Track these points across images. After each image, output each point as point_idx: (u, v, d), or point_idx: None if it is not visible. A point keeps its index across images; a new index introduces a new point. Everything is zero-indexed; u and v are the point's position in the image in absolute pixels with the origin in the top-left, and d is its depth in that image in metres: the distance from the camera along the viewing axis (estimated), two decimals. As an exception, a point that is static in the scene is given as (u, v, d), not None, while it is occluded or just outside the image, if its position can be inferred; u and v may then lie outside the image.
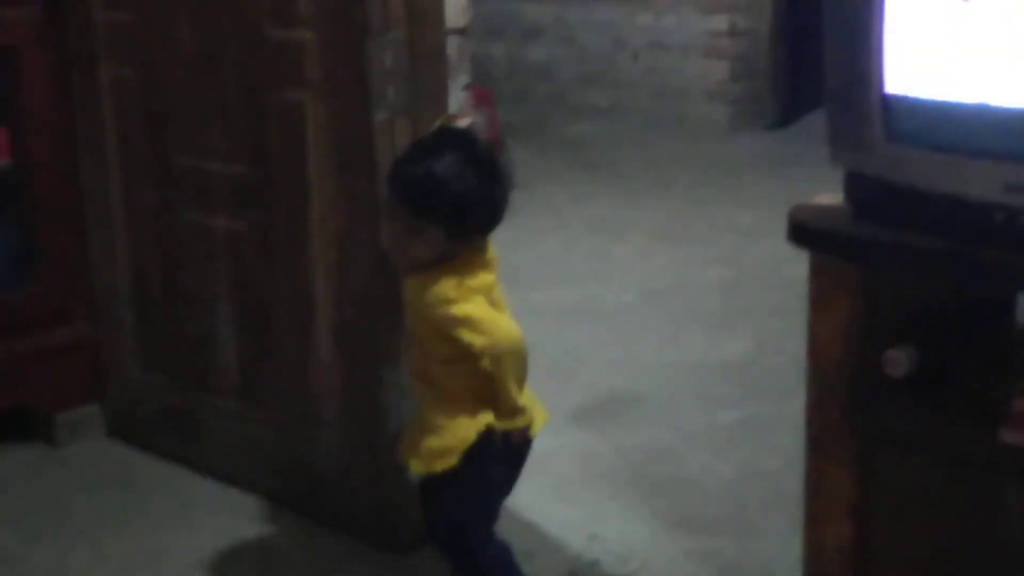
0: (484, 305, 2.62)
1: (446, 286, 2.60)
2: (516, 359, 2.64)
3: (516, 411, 2.68)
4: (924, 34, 1.84)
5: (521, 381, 2.69)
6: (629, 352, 4.45)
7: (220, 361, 3.48)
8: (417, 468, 2.75)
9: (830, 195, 2.05)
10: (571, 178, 6.57)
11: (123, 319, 3.70)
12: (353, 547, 3.07)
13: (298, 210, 3.18)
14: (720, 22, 7.28)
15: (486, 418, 2.68)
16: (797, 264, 2.22)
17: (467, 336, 2.58)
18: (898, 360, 1.94)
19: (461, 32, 3.29)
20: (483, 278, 2.64)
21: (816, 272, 2.05)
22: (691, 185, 6.36)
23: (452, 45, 3.26)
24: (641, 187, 6.37)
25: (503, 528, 3.26)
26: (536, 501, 3.43)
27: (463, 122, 2.87)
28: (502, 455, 2.73)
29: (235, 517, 3.36)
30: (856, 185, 1.97)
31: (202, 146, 3.38)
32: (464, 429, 2.68)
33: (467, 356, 2.62)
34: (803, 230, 2.02)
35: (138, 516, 3.39)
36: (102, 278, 3.72)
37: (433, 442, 2.70)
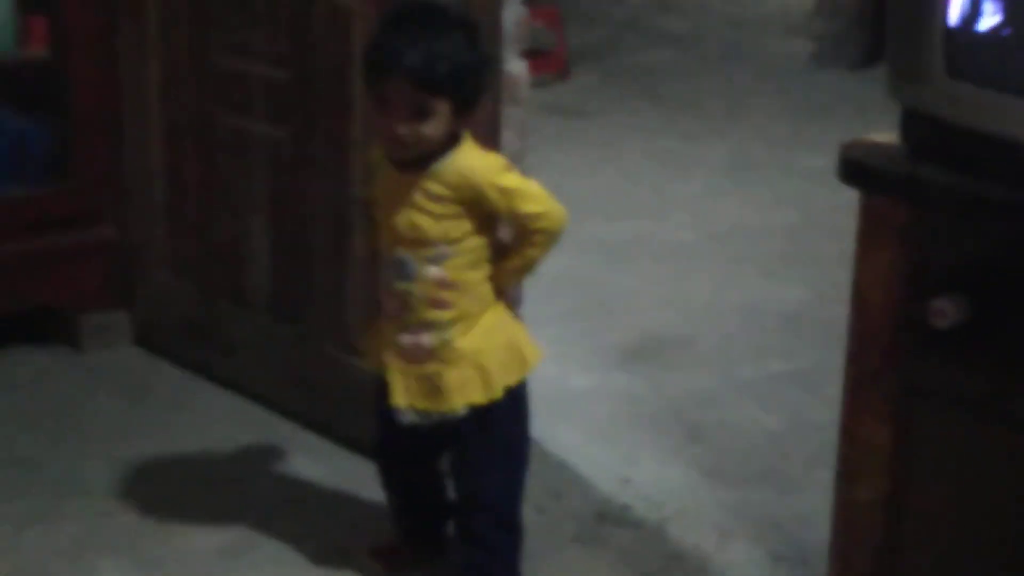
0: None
1: (489, 158, 2.64)
2: (557, 239, 2.65)
3: None
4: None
5: None
6: (682, 293, 4.45)
7: (252, 274, 3.53)
8: (476, 397, 2.65)
9: (886, 133, 2.04)
10: (637, 108, 6.54)
11: (155, 223, 3.76)
12: (369, 471, 3.11)
13: (340, 121, 3.21)
14: (808, -48, 7.20)
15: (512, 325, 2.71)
16: (865, 212, 2.21)
17: (526, 206, 2.58)
18: (944, 310, 1.94)
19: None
20: None
21: (866, 213, 2.04)
22: (764, 123, 6.32)
23: (509, -43, 3.24)
24: (710, 122, 6.33)
25: (534, 465, 3.32)
26: (571, 441, 3.47)
27: None
28: None
29: (256, 434, 3.42)
30: (913, 123, 1.96)
31: (245, 48, 3.42)
32: (511, 328, 2.70)
33: (483, 248, 2.63)
34: (854, 167, 2.01)
35: (157, 427, 3.47)
36: (136, 179, 3.77)
37: (485, 360, 2.65)
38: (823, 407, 3.61)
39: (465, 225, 2.61)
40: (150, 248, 3.79)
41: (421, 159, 2.60)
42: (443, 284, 2.62)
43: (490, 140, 3.12)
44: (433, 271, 2.61)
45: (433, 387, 2.66)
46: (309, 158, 3.31)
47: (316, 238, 3.34)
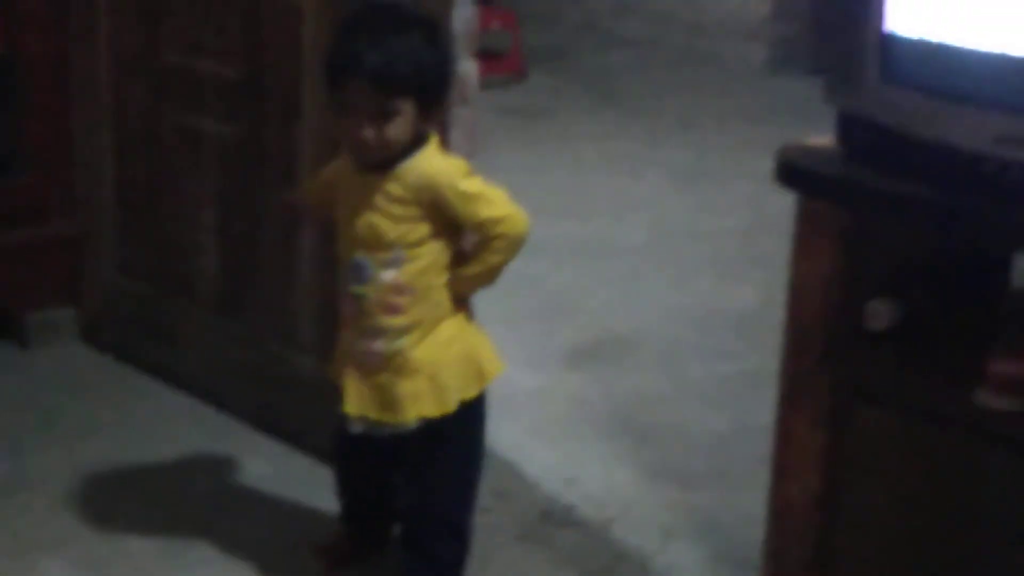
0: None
1: (451, 161, 2.59)
2: (520, 246, 2.62)
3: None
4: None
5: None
6: (632, 294, 4.48)
7: (200, 271, 3.54)
8: (428, 410, 2.62)
9: (823, 136, 2.07)
10: (593, 110, 6.58)
11: (104, 220, 3.75)
12: (319, 472, 3.12)
13: (290, 119, 3.21)
14: (764, -44, 7.26)
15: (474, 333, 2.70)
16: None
17: (486, 211, 2.54)
18: (879, 312, 1.97)
19: (472, -57, 3.28)
20: None
21: (802, 216, 2.07)
22: (718, 127, 6.36)
23: (461, -44, 3.27)
24: (666, 125, 6.37)
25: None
26: (517, 441, 3.48)
27: None
28: None
29: (202, 432, 3.43)
30: (848, 127, 1.99)
31: (196, 45, 3.42)
32: (471, 339, 2.68)
33: (441, 253, 2.60)
34: (791, 170, 2.04)
35: (103, 425, 3.46)
36: (86, 177, 3.77)
37: (440, 372, 2.63)
38: (770, 409, 3.63)
39: (423, 229, 2.57)
40: (98, 245, 3.78)
41: (386, 161, 2.57)
42: (398, 289, 2.58)
43: (439, 140, 3.13)
44: (389, 275, 2.58)
45: (385, 398, 2.63)
46: (258, 156, 3.32)
47: (264, 236, 3.35)
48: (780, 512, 2.20)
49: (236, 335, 3.46)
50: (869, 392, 2.04)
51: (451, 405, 2.63)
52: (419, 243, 2.58)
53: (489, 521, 3.10)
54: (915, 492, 2.04)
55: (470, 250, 2.64)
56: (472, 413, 2.70)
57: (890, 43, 1.90)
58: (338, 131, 2.60)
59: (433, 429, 2.64)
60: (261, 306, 3.39)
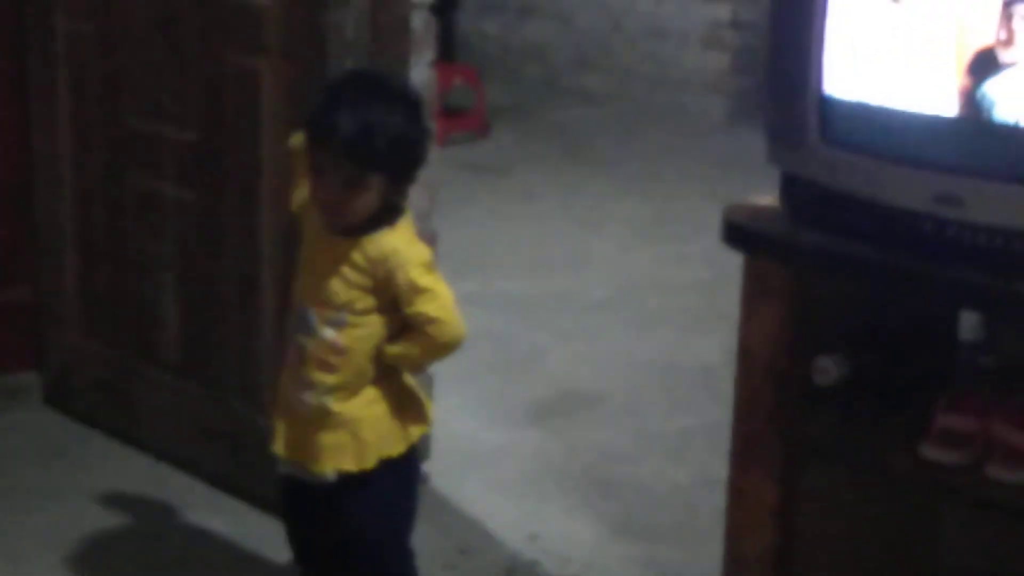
0: (442, 281, 2.62)
1: (415, 248, 2.60)
2: (446, 353, 2.65)
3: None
4: (864, 38, 1.90)
5: None
6: (595, 349, 4.51)
7: (161, 333, 3.55)
8: (346, 465, 2.64)
9: (768, 195, 2.11)
10: (555, 165, 6.63)
11: (65, 283, 3.77)
12: (280, 529, 3.12)
13: (249, 182, 3.24)
14: (723, 12, 7.33)
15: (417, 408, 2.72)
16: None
17: (424, 306, 2.55)
18: (827, 369, 2.00)
19: (429, 7, 3.31)
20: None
21: (749, 274, 2.11)
22: (680, 180, 6.41)
23: (418, 20, 3.29)
24: (627, 179, 6.42)
25: (443, 521, 3.35)
26: (479, 496, 3.50)
27: None
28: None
29: (164, 493, 3.43)
30: (792, 187, 2.03)
31: (156, 109, 3.45)
32: (400, 398, 2.69)
33: (380, 327, 2.60)
34: (736, 231, 2.08)
35: (65, 488, 3.46)
36: (48, 240, 3.78)
37: (361, 429, 2.65)
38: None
39: (370, 300, 2.59)
40: (60, 309, 3.79)
41: (351, 228, 2.59)
42: (335, 349, 2.61)
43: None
44: (329, 333, 2.60)
45: (308, 446, 2.65)
46: (218, 219, 3.35)
47: (225, 297, 3.37)
48: (735, 568, 2.22)
49: (197, 396, 3.47)
50: (818, 448, 2.07)
51: (371, 462, 2.64)
52: (364, 312, 2.60)
53: (451, 578, 3.12)
54: (866, 545, 2.07)
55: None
56: (395, 470, 2.70)
57: (830, 105, 1.95)
58: (311, 190, 2.61)
59: (352, 483, 2.66)
60: (222, 366, 3.41)
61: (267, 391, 3.28)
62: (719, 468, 3.62)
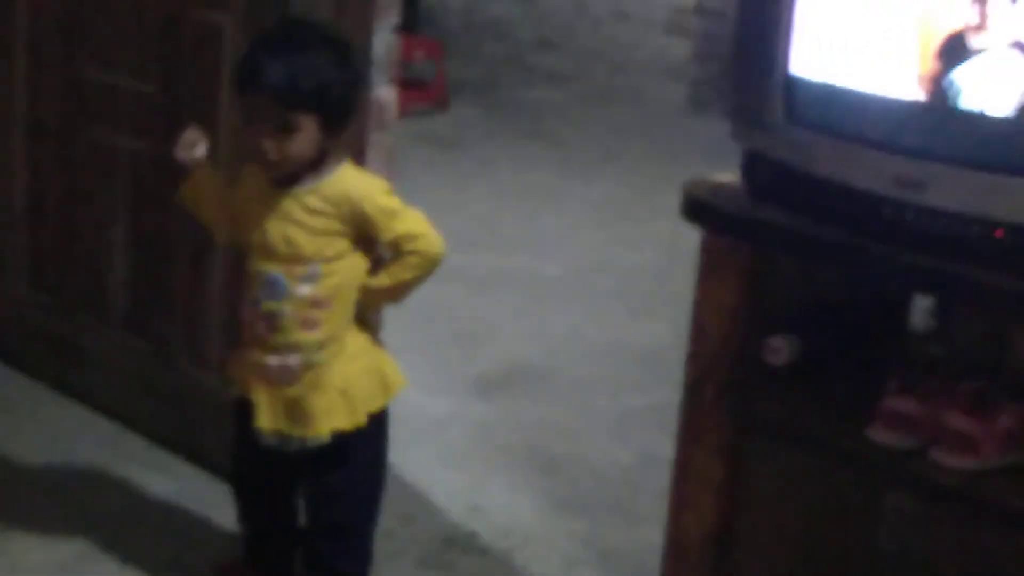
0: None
1: (373, 179, 2.64)
2: (434, 266, 2.65)
3: None
4: (832, 19, 1.91)
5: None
6: (544, 326, 4.51)
7: (109, 288, 3.52)
8: (341, 423, 2.64)
9: (729, 173, 2.11)
10: (513, 143, 6.63)
11: (13, 233, 3.73)
12: (222, 491, 3.11)
13: (206, 136, 3.20)
14: (687, -2, 7.36)
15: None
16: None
17: (403, 226, 2.57)
18: (778, 348, 2.01)
19: (395, -29, 3.29)
20: None
21: (706, 250, 2.11)
22: (636, 164, 6.43)
23: (383, -17, 3.27)
24: (584, 160, 6.43)
25: (387, 488, 3.34)
26: (423, 466, 3.50)
27: None
28: None
29: (105, 448, 3.41)
30: (753, 165, 2.04)
31: (113, 61, 3.42)
32: (375, 353, 2.70)
33: (357, 269, 2.62)
34: (695, 205, 2.08)
35: (3, 438, 3.42)
36: (-3, 188, 3.74)
37: (350, 386, 2.65)
38: (674, 444, 3.68)
39: (341, 243, 2.60)
40: (8, 258, 3.75)
41: (293, 176, 2.59)
42: (315, 303, 2.60)
43: (355, 165, 3.15)
44: (306, 289, 2.60)
45: (299, 412, 2.64)
46: (173, 173, 3.30)
47: (176, 253, 3.34)
48: (676, 542, 2.23)
49: (144, 353, 3.44)
50: (766, 426, 2.08)
51: (362, 418, 2.66)
52: (336, 257, 2.60)
53: (392, 545, 3.11)
54: (809, 525, 2.08)
55: (384, 264, 2.66)
56: (378, 426, 2.73)
57: (796, 85, 1.95)
58: (246, 140, 2.62)
59: (343, 442, 2.66)
60: (169, 323, 3.38)
61: (214, 351, 3.26)
62: (663, 448, 3.62)
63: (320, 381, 2.63)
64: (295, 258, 2.59)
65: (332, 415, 2.64)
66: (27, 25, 3.60)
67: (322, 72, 2.53)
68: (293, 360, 2.62)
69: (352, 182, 2.61)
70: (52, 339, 3.68)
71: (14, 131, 3.67)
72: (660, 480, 3.47)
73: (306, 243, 2.59)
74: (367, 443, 2.72)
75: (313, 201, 2.59)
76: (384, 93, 3.31)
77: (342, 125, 2.61)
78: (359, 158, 3.21)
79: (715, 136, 6.98)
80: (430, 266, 2.63)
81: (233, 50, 3.11)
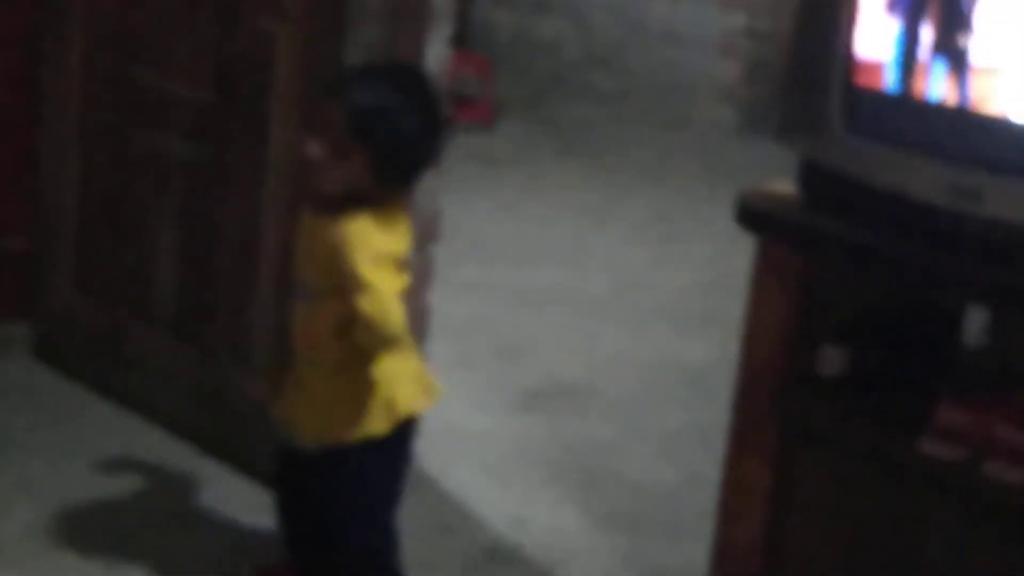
0: (390, 277, 2.59)
1: (367, 238, 2.57)
2: (386, 347, 2.62)
3: None
4: (890, 28, 1.91)
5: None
6: (589, 343, 4.52)
7: (158, 291, 3.55)
8: (324, 437, 2.67)
9: (785, 184, 2.12)
10: (561, 160, 6.64)
11: (63, 236, 3.76)
12: (266, 497, 3.13)
13: (257, 144, 3.24)
14: (738, 20, 7.33)
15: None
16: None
17: (360, 305, 2.53)
18: (831, 358, 2.01)
19: (449, -18, 3.32)
20: (401, 238, 2.63)
21: (760, 260, 2.11)
22: (684, 184, 6.43)
23: (439, -6, 3.30)
24: (632, 179, 6.44)
25: (429, 501, 3.35)
26: (465, 479, 3.51)
27: None
28: None
29: (150, 452, 3.43)
30: (810, 174, 2.04)
31: (167, 67, 3.45)
32: (392, 374, 2.69)
33: (331, 315, 2.62)
34: (750, 213, 2.09)
35: (51, 441, 3.46)
36: (48, 191, 3.78)
37: (338, 409, 2.67)
38: (719, 463, 3.67)
39: (325, 282, 2.61)
40: (57, 261, 3.79)
41: (328, 204, 2.61)
42: (305, 318, 2.67)
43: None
44: (303, 307, 2.68)
45: (292, 413, 2.73)
46: (223, 179, 3.35)
47: (224, 259, 3.37)
48: (723, 552, 2.23)
49: (190, 357, 3.47)
50: (817, 436, 2.08)
51: (344, 436, 2.66)
52: (326, 291, 2.62)
53: (434, 556, 3.12)
54: (858, 537, 2.08)
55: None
56: (379, 449, 2.70)
57: (854, 94, 1.96)
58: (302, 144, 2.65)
59: (332, 456, 2.68)
60: (216, 329, 3.41)
61: (261, 356, 3.29)
62: (707, 468, 3.64)
63: (307, 392, 2.70)
64: (305, 274, 2.67)
65: (311, 425, 2.70)
66: (81, 31, 3.64)
67: (400, 118, 2.55)
68: (297, 363, 2.70)
69: (343, 231, 2.57)
70: (99, 343, 3.71)
71: (67, 136, 3.71)
72: (703, 499, 3.48)
73: (310, 268, 2.65)
74: (358, 464, 2.70)
75: (322, 237, 2.60)
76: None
77: (393, 178, 2.60)
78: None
79: (764, 158, 7.00)
80: (375, 350, 2.61)
81: (287, 57, 3.15)
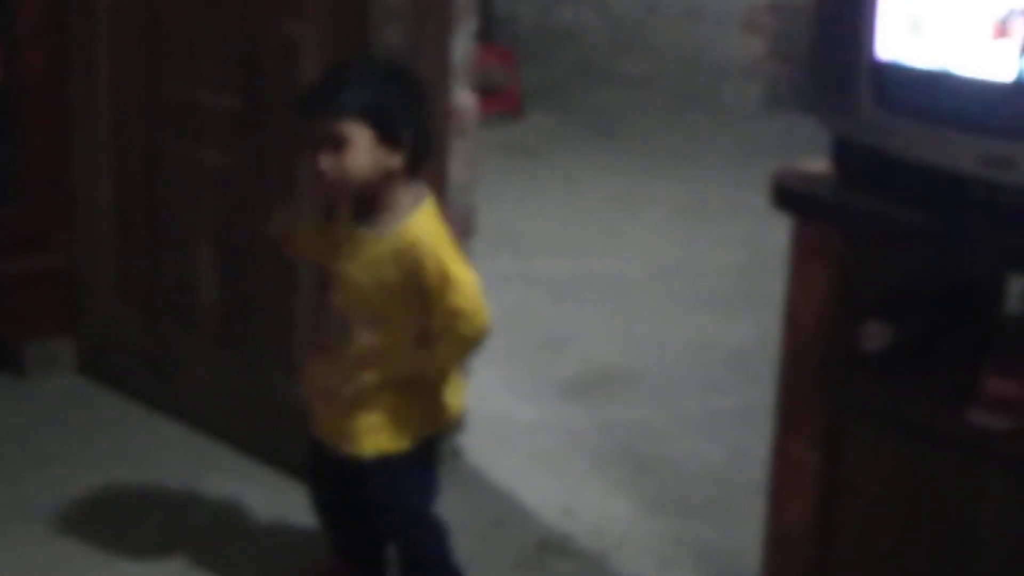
0: (465, 265, 2.62)
1: (440, 234, 2.60)
2: (472, 348, 2.65)
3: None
4: (919, 1, 1.92)
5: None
6: (629, 329, 4.53)
7: (200, 302, 3.58)
8: (385, 446, 2.67)
9: (818, 161, 2.12)
10: (591, 147, 6.65)
11: (103, 251, 3.80)
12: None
13: (289, 150, 3.26)
14: (761, -4, 7.34)
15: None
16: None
17: (453, 298, 2.54)
18: (873, 334, 2.02)
19: (470, -22, 3.34)
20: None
21: (797, 240, 2.12)
22: (715, 164, 6.43)
23: (461, -10, 3.31)
24: (663, 162, 6.44)
25: (477, 495, 3.37)
26: (513, 471, 3.53)
27: None
28: None
29: (199, 462, 3.47)
30: (842, 151, 2.05)
31: (196, 76, 3.48)
32: (439, 383, 2.73)
33: (409, 328, 2.62)
34: (786, 194, 2.09)
35: (99, 455, 3.50)
36: (85, 207, 3.82)
37: (404, 413, 2.68)
38: (765, 441, 3.67)
39: (404, 298, 2.60)
40: (97, 276, 3.83)
41: (371, 209, 2.62)
42: (373, 351, 2.64)
43: (437, 171, 3.19)
44: (365, 336, 2.64)
45: (342, 427, 2.69)
46: (258, 187, 3.37)
47: (264, 266, 3.39)
48: (775, 533, 2.24)
49: (234, 364, 3.50)
50: (863, 413, 2.09)
51: (407, 443, 2.68)
52: (399, 311, 2.61)
53: (486, 550, 3.14)
54: (910, 511, 2.09)
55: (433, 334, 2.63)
56: (425, 449, 2.74)
57: (883, 69, 1.96)
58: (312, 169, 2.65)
59: (387, 462, 2.68)
60: (260, 335, 3.43)
61: (303, 360, 3.31)
62: (754, 447, 3.65)
63: (368, 402, 2.66)
64: (361, 304, 2.64)
65: (376, 435, 2.66)
66: (109, 43, 3.67)
67: (366, 84, 2.56)
68: (345, 389, 2.65)
69: (420, 229, 2.58)
70: (142, 353, 3.75)
71: (99, 149, 3.75)
72: (752, 478, 3.49)
73: (373, 294, 2.61)
74: (411, 469, 2.73)
75: (383, 250, 2.59)
76: (463, 99, 3.36)
77: (395, 139, 2.56)
78: (441, 165, 3.26)
79: (792, 134, 6.99)
80: (469, 347, 2.63)
81: (313, 63, 3.17)
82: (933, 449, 2.01)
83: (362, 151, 2.53)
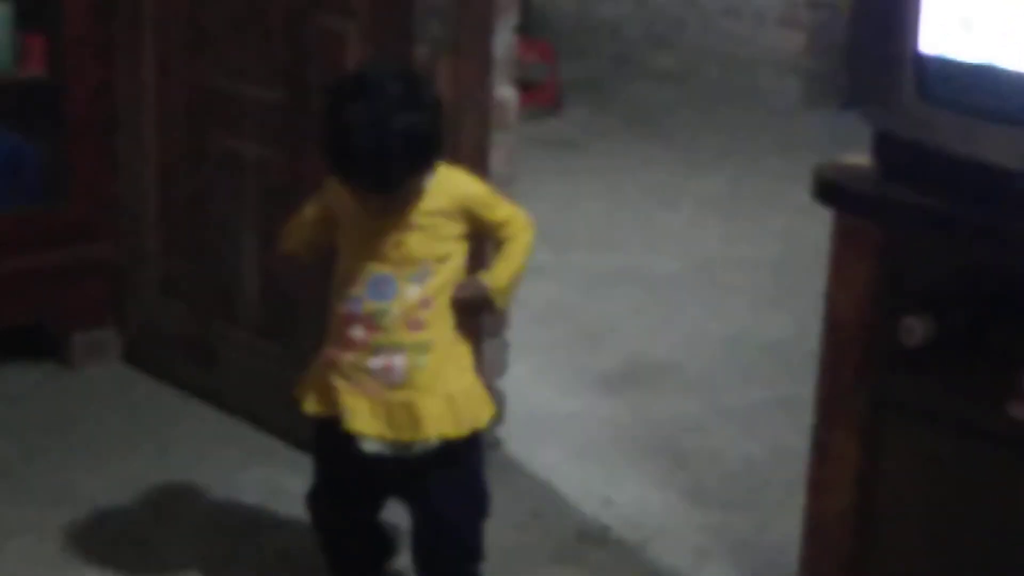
0: None
1: (462, 172, 2.75)
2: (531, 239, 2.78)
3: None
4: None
5: None
6: (667, 322, 4.52)
7: (242, 293, 3.60)
8: (448, 430, 2.63)
9: (859, 155, 2.11)
10: (628, 141, 6.64)
11: (147, 242, 3.82)
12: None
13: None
14: (799, -10, 7.30)
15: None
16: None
17: (501, 211, 2.71)
18: (914, 328, 2.00)
19: (512, -27, 3.34)
20: None
21: (838, 233, 2.11)
22: (752, 159, 6.41)
23: (501, -15, 3.31)
24: (700, 157, 6.42)
25: (516, 485, 3.38)
26: (553, 463, 3.53)
27: None
28: None
29: (242, 450, 3.49)
30: (884, 145, 2.04)
31: (239, 69, 3.49)
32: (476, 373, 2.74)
33: (458, 268, 2.67)
34: (827, 188, 2.08)
35: (144, 443, 3.53)
36: (129, 199, 3.84)
37: (456, 394, 2.65)
38: (804, 435, 3.66)
39: (452, 243, 2.64)
40: (142, 266, 3.85)
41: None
42: (423, 303, 2.62)
43: (479, 164, 3.20)
44: (415, 290, 2.62)
45: (405, 415, 2.63)
46: (300, 178, 3.37)
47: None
48: (815, 527, 2.23)
49: (276, 355, 3.51)
50: (904, 407, 2.08)
51: (465, 428, 2.66)
52: (445, 257, 2.64)
53: (525, 540, 3.15)
54: (949, 506, 2.07)
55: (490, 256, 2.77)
56: (479, 440, 2.76)
57: (925, 62, 1.95)
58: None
59: (450, 448, 2.66)
60: (301, 326, 3.44)
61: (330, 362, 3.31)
62: (792, 440, 3.63)
63: (428, 384, 2.63)
64: (406, 260, 2.62)
65: (439, 420, 2.63)
66: (153, 38, 3.69)
67: (412, 144, 2.54)
68: (398, 360, 2.62)
69: (455, 180, 2.69)
70: (185, 344, 3.77)
71: (144, 142, 3.77)
72: (790, 472, 3.46)
73: (419, 245, 2.62)
74: (470, 452, 2.73)
75: (431, 204, 2.62)
76: (504, 93, 3.36)
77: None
78: (482, 158, 3.27)
79: (831, 129, 6.98)
80: (531, 245, 2.75)
81: (357, 56, 3.17)
82: (973, 443, 2.00)
83: (413, 190, 2.61)
